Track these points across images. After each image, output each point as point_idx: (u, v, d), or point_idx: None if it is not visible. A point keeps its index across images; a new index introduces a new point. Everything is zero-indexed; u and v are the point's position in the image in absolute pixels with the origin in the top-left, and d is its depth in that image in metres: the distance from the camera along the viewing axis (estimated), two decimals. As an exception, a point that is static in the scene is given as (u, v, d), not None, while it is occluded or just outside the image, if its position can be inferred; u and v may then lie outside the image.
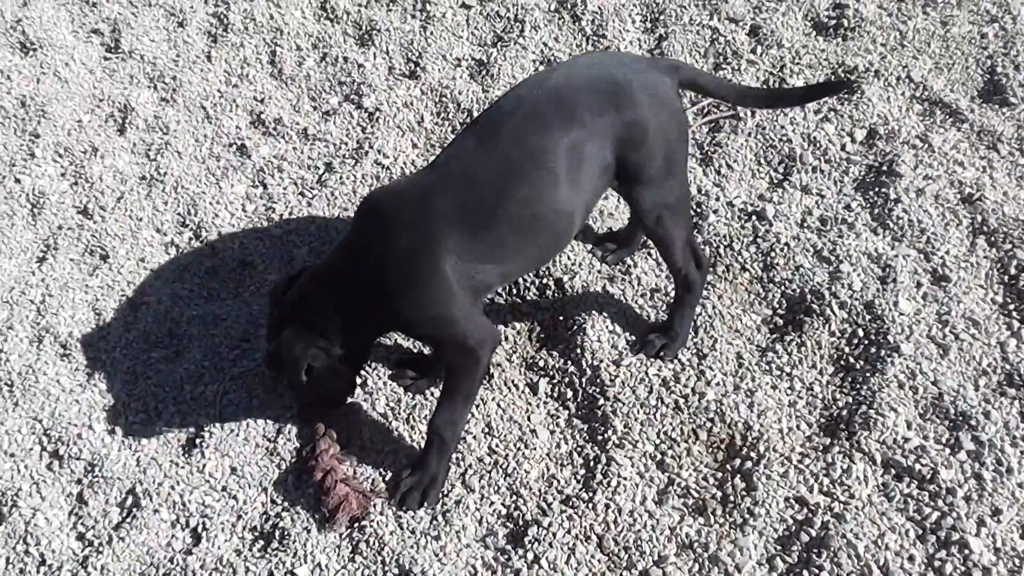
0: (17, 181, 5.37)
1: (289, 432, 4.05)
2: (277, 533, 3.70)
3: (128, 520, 3.85)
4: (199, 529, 3.78)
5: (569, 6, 5.93)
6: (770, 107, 4.95)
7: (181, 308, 4.64)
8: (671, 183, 3.77)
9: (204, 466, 3.98)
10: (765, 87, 5.15)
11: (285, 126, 5.52)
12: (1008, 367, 3.84)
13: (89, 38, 6.29)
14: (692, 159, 4.92)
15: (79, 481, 4.04)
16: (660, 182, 3.72)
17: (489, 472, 3.80)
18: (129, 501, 3.93)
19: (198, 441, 4.10)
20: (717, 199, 4.65)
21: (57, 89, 5.90)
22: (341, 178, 5.12)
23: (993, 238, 4.30)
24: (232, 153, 5.42)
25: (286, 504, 3.81)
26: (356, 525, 3.68)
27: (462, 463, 3.84)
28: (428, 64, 5.72)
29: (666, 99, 3.72)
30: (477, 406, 3.99)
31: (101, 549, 3.78)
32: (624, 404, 3.91)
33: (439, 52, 5.80)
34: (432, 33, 5.90)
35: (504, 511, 3.69)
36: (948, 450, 3.60)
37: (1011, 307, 4.06)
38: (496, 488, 3.75)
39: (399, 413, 4.05)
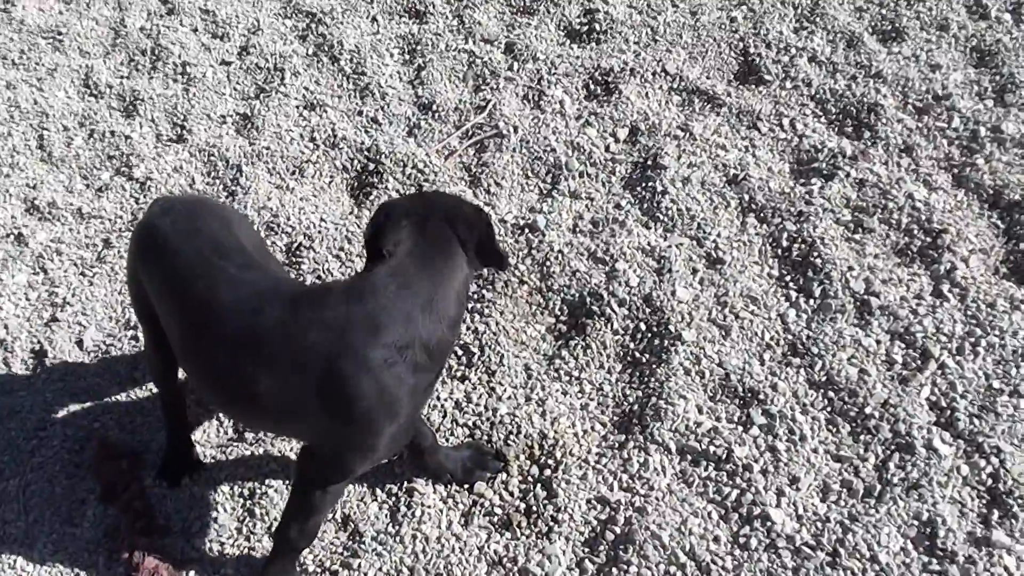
0: None
1: (94, 513, 3.98)
2: (95, 616, 3.66)
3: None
4: (14, 633, 3.72)
5: (326, 48, 5.98)
6: None
7: (-28, 408, 4.53)
8: None
9: (15, 563, 3.90)
10: None
11: (60, 208, 5.44)
12: (791, 337, 3.94)
13: None
14: (463, 182, 4.98)
15: None
16: None
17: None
18: (-61, 621, 3.85)
19: (5, 540, 4.01)
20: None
21: None
22: (119, 252, 5.05)
23: (763, 214, 4.39)
24: (10, 243, 5.32)
25: (100, 588, 3.77)
26: (172, 597, 3.65)
27: (267, 518, 3.80)
28: (194, 126, 5.70)
29: None
30: (275, 458, 3.96)
31: None
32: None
33: (203, 112, 5.78)
34: (195, 94, 5.88)
35: (313, 558, 3.66)
36: (740, 428, 3.68)
37: (787, 279, 4.15)
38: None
39: (201, 480, 4.00)
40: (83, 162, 5.72)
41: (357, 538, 3.67)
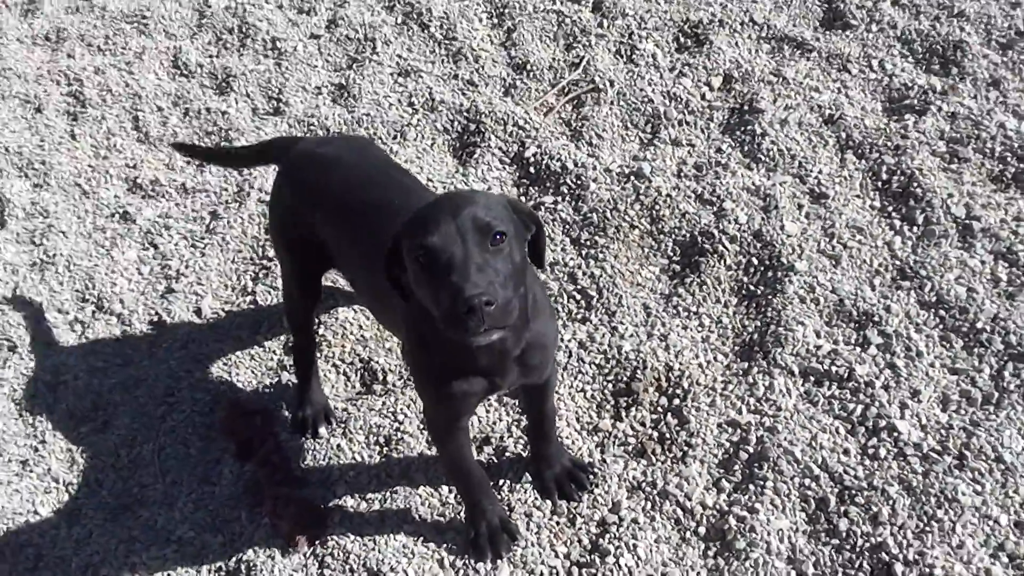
0: (-91, 296, 5.37)
1: (230, 471, 4.10)
2: (243, 567, 3.72)
3: (91, 594, 3.89)
4: (166, 586, 3.83)
5: (415, 16, 6.07)
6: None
7: (100, 379, 4.64)
8: None
9: (156, 523, 4.01)
10: None
11: (163, 185, 5.55)
12: (898, 262, 4.05)
13: (-50, 143, 6.27)
14: (564, 136, 5.08)
15: (32, 568, 4.01)
16: None
17: (432, 465, 3.87)
18: (90, 573, 3.94)
19: (145, 502, 4.13)
20: (594, 168, 4.77)
21: (-69, 199, 5.90)
22: (228, 223, 5.17)
23: (860, 150, 4.49)
24: (116, 222, 5.45)
25: (244, 539, 3.85)
26: (318, 542, 3.72)
27: (404, 460, 3.91)
28: (290, 98, 5.80)
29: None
30: (407, 405, 4.08)
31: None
32: (548, 372, 3.99)
33: (298, 84, 5.88)
34: (287, 68, 5.97)
35: (454, 497, 3.76)
36: (859, 348, 3.79)
37: (890, 209, 4.25)
38: (444, 478, 3.82)
39: (336, 431, 4.12)
40: (181, 139, 5.83)
41: (494, 464, 3.81)
